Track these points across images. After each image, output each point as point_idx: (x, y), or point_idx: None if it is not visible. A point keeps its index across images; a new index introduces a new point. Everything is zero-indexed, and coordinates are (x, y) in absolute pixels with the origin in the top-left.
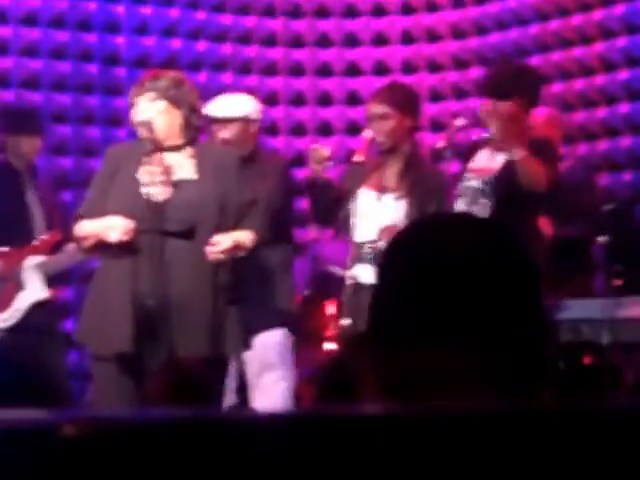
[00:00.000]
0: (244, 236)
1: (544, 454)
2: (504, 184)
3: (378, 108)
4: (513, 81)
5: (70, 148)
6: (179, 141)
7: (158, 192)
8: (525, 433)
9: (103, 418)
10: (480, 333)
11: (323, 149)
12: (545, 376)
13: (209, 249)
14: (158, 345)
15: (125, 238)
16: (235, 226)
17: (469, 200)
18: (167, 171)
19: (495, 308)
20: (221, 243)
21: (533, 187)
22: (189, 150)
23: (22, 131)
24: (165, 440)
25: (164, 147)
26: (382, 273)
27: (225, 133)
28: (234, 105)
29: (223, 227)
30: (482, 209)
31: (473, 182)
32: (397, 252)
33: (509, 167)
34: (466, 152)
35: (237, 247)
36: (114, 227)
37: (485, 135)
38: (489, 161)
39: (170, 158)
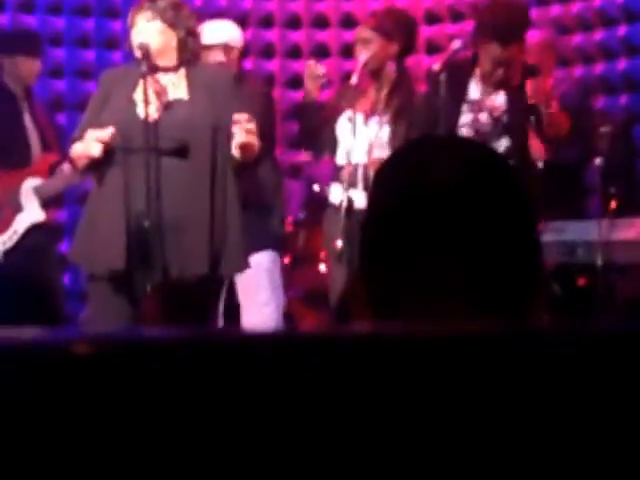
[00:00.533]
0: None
1: (539, 375)
2: (517, 125)
3: (363, 32)
4: (515, 25)
5: (65, 71)
6: (174, 62)
7: (152, 112)
8: (519, 355)
9: (113, 336)
10: (470, 255)
11: (318, 66)
12: (536, 297)
13: (234, 129)
14: (153, 264)
15: (105, 140)
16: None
17: (473, 132)
18: (161, 91)
19: (485, 229)
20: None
21: (556, 137)
22: (183, 71)
23: (18, 52)
24: (177, 358)
25: (159, 68)
26: (373, 196)
27: (207, 60)
28: (214, 32)
29: (220, 146)
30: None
31: (480, 115)
32: (387, 175)
33: (519, 108)
34: (455, 77)
35: (250, 140)
36: (92, 139)
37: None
38: (488, 95)
39: (164, 79)
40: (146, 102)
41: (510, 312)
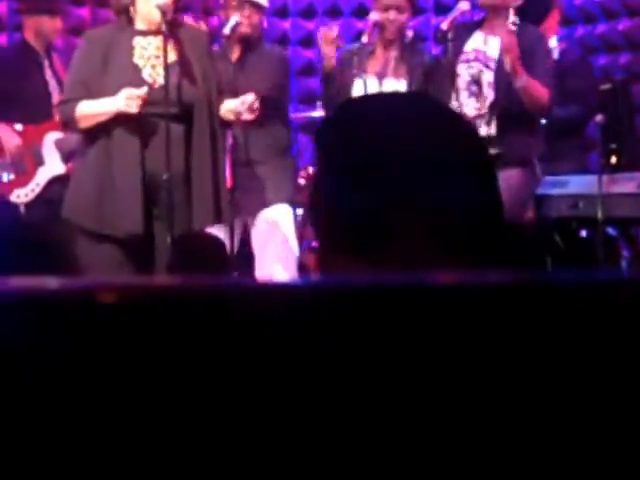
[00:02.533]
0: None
1: (539, 326)
2: (503, 76)
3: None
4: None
5: (87, 29)
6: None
7: (156, 76)
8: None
9: (139, 285)
10: (425, 200)
11: (331, 30)
12: (500, 247)
13: (242, 110)
14: (171, 220)
15: (144, 98)
16: (219, 101)
17: (468, 83)
18: (163, 55)
19: (441, 182)
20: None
21: (536, 111)
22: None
23: (43, 11)
24: (196, 307)
25: (152, 31)
26: (320, 156)
27: (254, 19)
28: None
29: (214, 105)
30: (487, 100)
31: (474, 66)
32: (330, 132)
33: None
34: (460, 33)
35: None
36: (132, 97)
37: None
38: (484, 44)
39: (158, 42)
40: (166, 65)
41: (474, 255)
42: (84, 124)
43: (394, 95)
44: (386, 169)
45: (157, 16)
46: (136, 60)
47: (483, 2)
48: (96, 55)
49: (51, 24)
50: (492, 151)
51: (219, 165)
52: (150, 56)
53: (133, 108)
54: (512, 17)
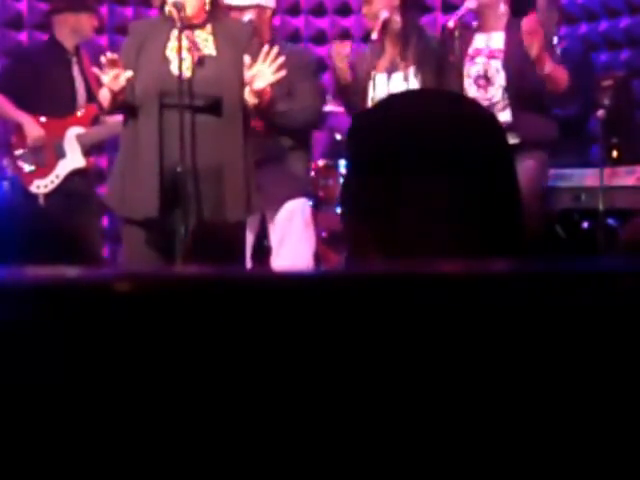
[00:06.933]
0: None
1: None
2: (512, 63)
3: None
4: None
5: (106, 27)
6: (203, 19)
7: (185, 68)
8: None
9: (153, 274)
10: (453, 182)
11: (342, 46)
12: (517, 243)
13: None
14: (186, 210)
15: (113, 69)
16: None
17: (475, 78)
18: (195, 48)
19: (467, 162)
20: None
21: (557, 93)
22: (209, 27)
23: (82, 8)
24: (214, 296)
25: (190, 24)
26: (352, 146)
27: (261, 18)
28: None
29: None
30: (497, 87)
31: (478, 61)
32: (365, 131)
33: (514, 45)
34: (468, 35)
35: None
36: (109, 72)
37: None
38: (487, 41)
39: (194, 35)
40: (180, 59)
41: (492, 240)
42: (104, 105)
43: (418, 93)
44: (408, 159)
45: (172, 12)
46: (167, 52)
47: (477, 6)
48: (133, 46)
49: (89, 21)
50: (512, 140)
51: (250, 157)
52: (185, 49)
53: (104, 80)
54: (502, 7)
